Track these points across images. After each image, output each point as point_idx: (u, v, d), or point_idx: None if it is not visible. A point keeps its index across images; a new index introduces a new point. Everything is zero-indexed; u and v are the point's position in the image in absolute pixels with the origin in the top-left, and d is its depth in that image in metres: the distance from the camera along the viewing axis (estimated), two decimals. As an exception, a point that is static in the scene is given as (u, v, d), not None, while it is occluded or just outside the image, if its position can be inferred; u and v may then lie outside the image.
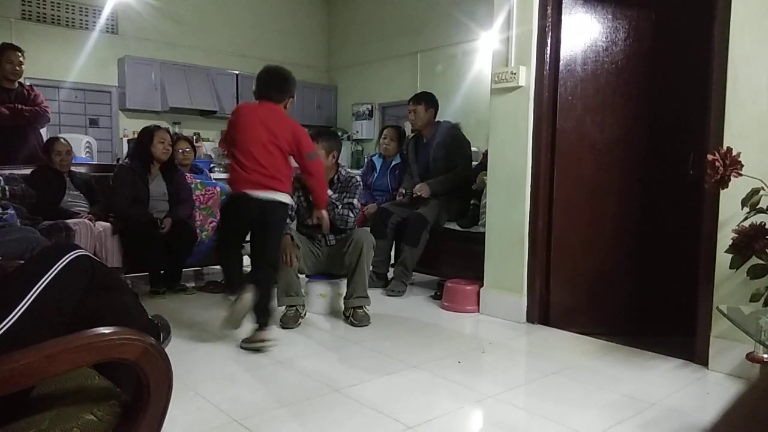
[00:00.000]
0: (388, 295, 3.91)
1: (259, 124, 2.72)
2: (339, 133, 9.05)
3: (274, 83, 2.83)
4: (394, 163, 4.63)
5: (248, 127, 2.73)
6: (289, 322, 3.16)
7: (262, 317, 2.75)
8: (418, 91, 4.50)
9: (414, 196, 4.06)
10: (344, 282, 3.39)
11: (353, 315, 3.21)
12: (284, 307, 3.21)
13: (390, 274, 4.13)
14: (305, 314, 3.30)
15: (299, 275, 3.32)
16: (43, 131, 4.58)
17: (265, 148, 2.70)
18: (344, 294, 3.34)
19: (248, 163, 2.70)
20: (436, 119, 4.25)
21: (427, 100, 4.18)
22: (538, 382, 2.44)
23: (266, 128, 2.72)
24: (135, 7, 7.49)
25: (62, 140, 4.01)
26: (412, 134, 4.43)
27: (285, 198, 2.78)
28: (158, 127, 4.10)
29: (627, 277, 3.18)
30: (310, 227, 3.39)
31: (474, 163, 4.37)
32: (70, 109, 7.28)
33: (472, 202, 4.10)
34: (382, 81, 8.75)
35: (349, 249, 3.25)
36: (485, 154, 4.11)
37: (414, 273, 4.13)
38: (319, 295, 3.52)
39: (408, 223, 4.00)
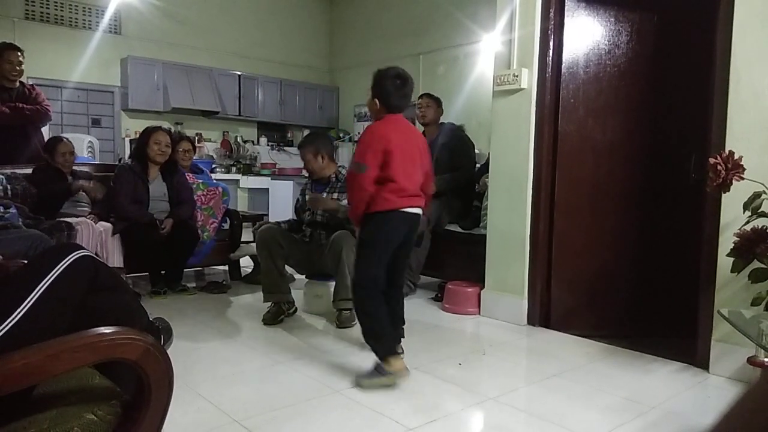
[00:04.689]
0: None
1: (413, 144, 2.47)
2: (341, 135, 9.07)
3: (409, 94, 2.52)
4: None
5: (405, 148, 2.43)
6: (269, 319, 3.21)
7: (371, 346, 2.41)
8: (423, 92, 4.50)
9: None
10: None
11: (338, 317, 3.24)
12: (269, 304, 3.28)
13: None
14: (293, 311, 3.37)
15: (283, 273, 3.35)
16: (44, 130, 4.58)
17: (416, 165, 2.44)
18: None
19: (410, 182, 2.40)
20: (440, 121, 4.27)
21: (438, 100, 4.24)
22: (538, 385, 2.44)
23: (415, 145, 2.47)
24: (138, 8, 7.50)
25: (65, 140, 4.01)
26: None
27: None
28: (157, 128, 4.08)
29: (628, 279, 3.18)
30: (308, 223, 3.44)
31: (477, 165, 4.37)
32: (72, 108, 7.29)
33: (474, 203, 4.09)
34: (384, 82, 8.73)
35: (330, 252, 3.24)
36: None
37: (416, 274, 4.12)
38: (316, 296, 3.52)
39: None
